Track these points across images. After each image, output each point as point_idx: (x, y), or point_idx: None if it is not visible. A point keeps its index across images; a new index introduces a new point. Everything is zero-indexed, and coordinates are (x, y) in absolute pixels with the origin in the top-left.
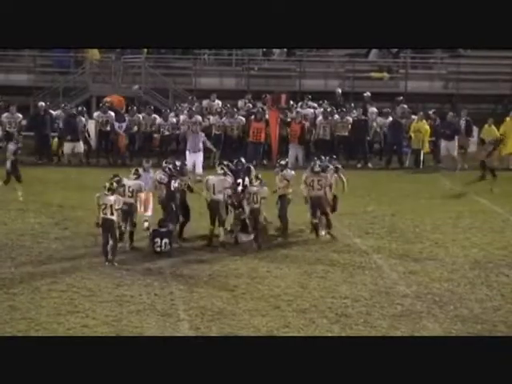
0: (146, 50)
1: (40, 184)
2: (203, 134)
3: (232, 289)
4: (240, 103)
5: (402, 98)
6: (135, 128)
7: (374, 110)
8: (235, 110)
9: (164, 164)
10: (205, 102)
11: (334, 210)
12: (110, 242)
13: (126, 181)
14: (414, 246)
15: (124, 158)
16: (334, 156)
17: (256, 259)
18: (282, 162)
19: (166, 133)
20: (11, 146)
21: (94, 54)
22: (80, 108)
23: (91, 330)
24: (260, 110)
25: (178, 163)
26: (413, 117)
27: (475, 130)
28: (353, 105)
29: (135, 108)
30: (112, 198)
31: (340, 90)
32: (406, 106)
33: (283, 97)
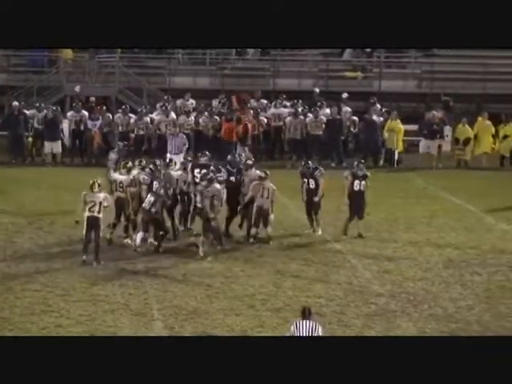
0: (119, 49)
1: (13, 184)
2: (184, 136)
3: (206, 288)
4: (214, 103)
5: (375, 98)
6: (106, 128)
7: (348, 109)
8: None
9: (146, 164)
10: (179, 102)
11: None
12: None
13: (116, 175)
14: (388, 244)
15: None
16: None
17: (230, 259)
18: (249, 162)
19: (141, 132)
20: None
21: (68, 53)
22: (54, 108)
23: (65, 330)
24: (229, 110)
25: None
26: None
27: (449, 129)
28: (324, 103)
29: (105, 108)
30: (101, 195)
31: (318, 90)
32: (379, 106)
33: (234, 98)
